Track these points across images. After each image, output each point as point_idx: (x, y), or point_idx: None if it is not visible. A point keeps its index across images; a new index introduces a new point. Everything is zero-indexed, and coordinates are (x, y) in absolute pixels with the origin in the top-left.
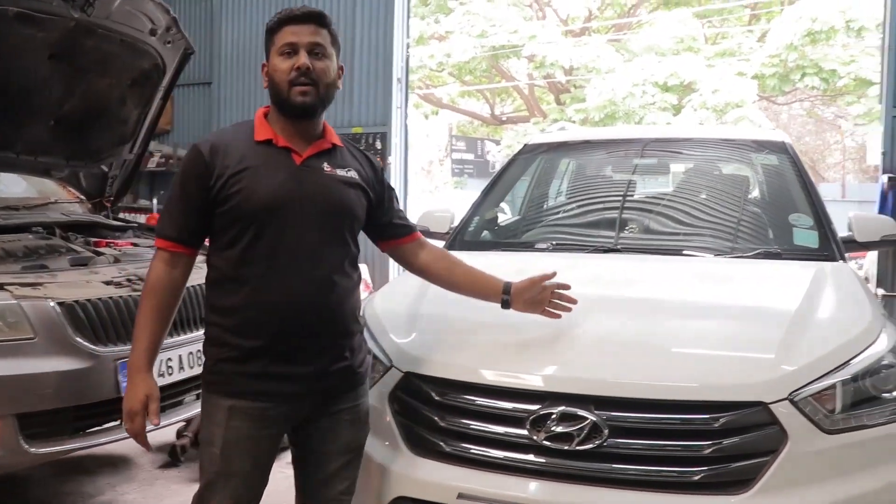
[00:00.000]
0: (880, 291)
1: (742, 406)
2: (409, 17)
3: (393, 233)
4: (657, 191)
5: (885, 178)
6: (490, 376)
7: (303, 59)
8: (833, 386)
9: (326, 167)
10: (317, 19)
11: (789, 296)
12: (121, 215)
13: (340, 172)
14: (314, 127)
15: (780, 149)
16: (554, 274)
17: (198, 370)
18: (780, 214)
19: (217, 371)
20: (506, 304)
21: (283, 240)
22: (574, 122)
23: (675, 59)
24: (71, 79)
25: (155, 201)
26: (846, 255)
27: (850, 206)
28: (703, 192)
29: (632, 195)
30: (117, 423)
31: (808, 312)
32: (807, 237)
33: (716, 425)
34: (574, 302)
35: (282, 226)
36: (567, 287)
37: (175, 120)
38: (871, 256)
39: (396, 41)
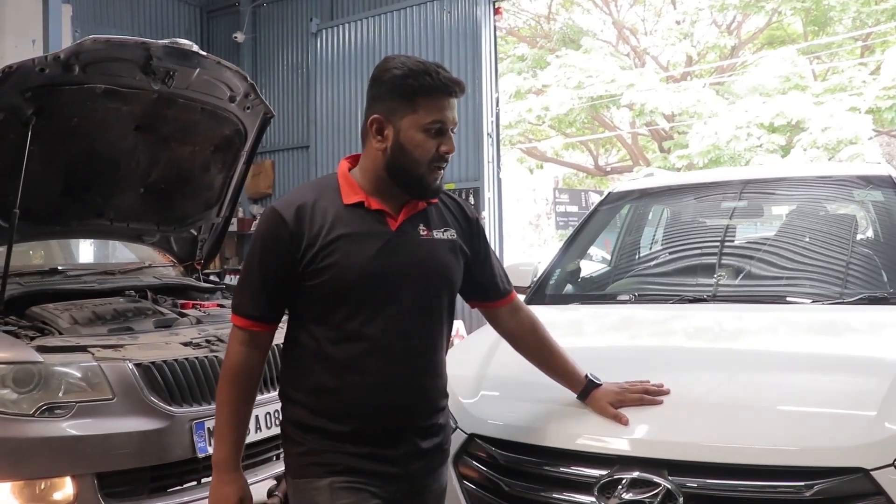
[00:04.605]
0: None
1: (838, 472)
2: (496, 71)
3: (483, 295)
4: (747, 235)
5: None
6: (556, 439)
7: (452, 143)
8: None
9: (423, 231)
10: (462, 92)
11: (894, 345)
12: (227, 277)
13: (438, 234)
14: None
15: (887, 183)
16: (665, 391)
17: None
18: (889, 254)
19: (307, 455)
20: (581, 398)
21: (380, 316)
22: (679, 168)
23: (780, 98)
24: (156, 148)
25: None
26: None
27: None
28: (800, 234)
29: (717, 240)
30: (194, 483)
31: None
32: None
33: (807, 495)
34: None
35: (379, 301)
36: (666, 392)
37: (276, 183)
38: None
39: (485, 96)
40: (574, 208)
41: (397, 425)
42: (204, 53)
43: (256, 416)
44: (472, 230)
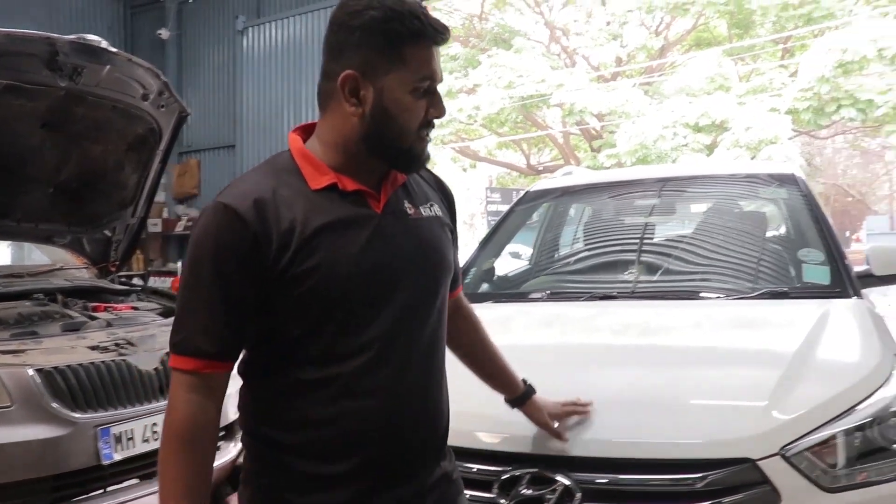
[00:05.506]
0: None
1: (727, 464)
2: None
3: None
4: (661, 232)
5: None
6: (457, 437)
7: (443, 105)
8: (833, 437)
9: (409, 208)
10: (447, 39)
11: (789, 338)
12: (151, 279)
13: (425, 211)
14: None
15: (790, 181)
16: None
17: None
18: (789, 250)
19: None
20: (513, 405)
21: (379, 321)
22: (607, 167)
23: (705, 99)
24: (66, 146)
25: (180, 264)
26: (861, 291)
27: None
28: (712, 231)
29: (633, 237)
30: (100, 492)
31: (807, 355)
32: (817, 273)
33: (699, 486)
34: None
35: (377, 302)
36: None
37: (202, 183)
38: None
39: None
40: (506, 207)
41: (407, 456)
42: (114, 50)
43: None
44: (450, 205)
